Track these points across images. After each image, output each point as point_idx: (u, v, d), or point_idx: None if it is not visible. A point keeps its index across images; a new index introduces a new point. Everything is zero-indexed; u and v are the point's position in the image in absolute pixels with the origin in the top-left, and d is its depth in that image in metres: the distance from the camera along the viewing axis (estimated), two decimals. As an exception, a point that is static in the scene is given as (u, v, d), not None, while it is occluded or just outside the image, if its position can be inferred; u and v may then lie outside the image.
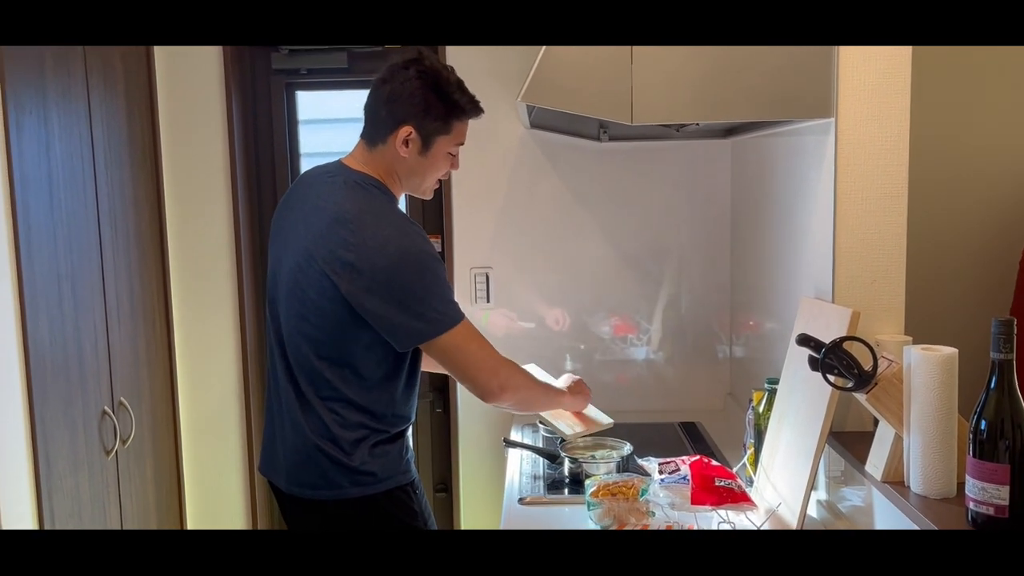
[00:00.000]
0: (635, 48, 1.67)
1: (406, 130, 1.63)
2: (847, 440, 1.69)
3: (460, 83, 1.67)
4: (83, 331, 2.08)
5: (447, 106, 1.64)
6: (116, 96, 2.31)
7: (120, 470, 2.24)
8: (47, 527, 1.91)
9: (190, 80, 2.58)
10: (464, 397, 2.66)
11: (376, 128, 1.66)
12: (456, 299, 1.65)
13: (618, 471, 1.99)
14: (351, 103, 2.78)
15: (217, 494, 2.73)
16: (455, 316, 1.61)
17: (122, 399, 2.25)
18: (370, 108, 1.68)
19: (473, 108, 1.69)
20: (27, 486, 1.87)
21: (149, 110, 2.52)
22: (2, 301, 1.81)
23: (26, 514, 1.86)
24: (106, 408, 2.17)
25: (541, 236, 2.63)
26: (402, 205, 1.85)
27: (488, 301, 2.65)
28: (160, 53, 2.55)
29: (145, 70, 2.49)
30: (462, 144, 1.72)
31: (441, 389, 2.78)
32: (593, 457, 2.03)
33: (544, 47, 1.69)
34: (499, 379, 1.65)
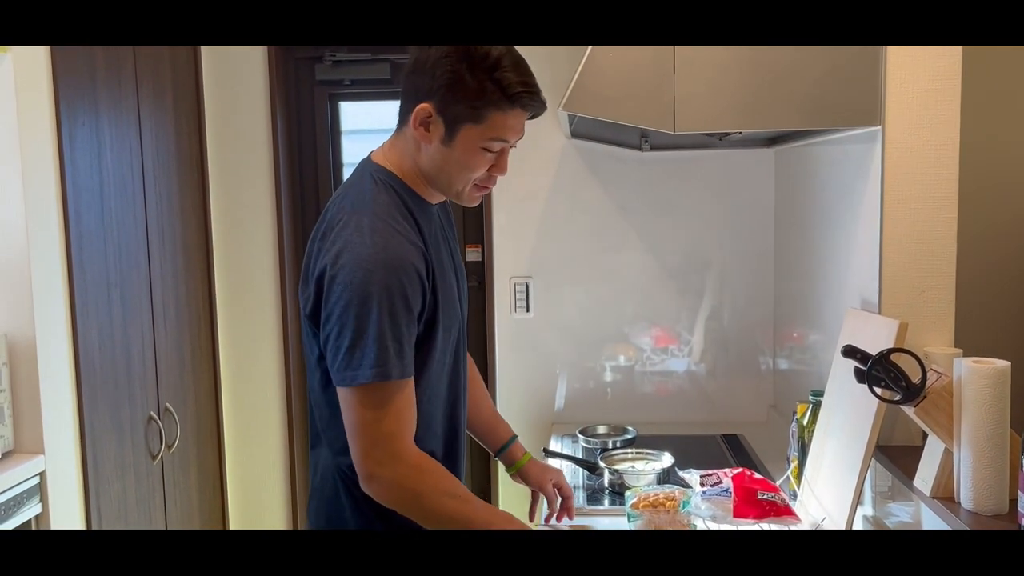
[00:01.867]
0: (677, 56, 1.66)
1: (424, 108, 1.29)
2: (894, 454, 1.65)
3: (515, 62, 1.29)
4: (131, 338, 2.12)
5: (479, 86, 1.26)
6: (165, 107, 2.36)
7: (165, 475, 2.28)
8: (95, 528, 1.95)
9: (236, 91, 2.63)
10: (502, 406, 2.66)
11: (401, 106, 1.36)
12: (400, 349, 1.26)
13: (659, 483, 1.97)
14: (394, 113, 2.80)
15: (259, 499, 2.77)
16: (370, 372, 1.24)
17: (168, 405, 2.29)
18: (401, 83, 1.37)
19: (519, 98, 1.28)
20: (76, 489, 1.91)
21: (196, 120, 2.57)
22: (54, 306, 1.86)
23: (75, 516, 1.90)
24: (152, 414, 2.21)
25: (582, 246, 2.62)
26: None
27: (528, 311, 2.64)
28: (207, 64, 2.61)
29: (193, 81, 2.55)
30: (506, 142, 1.33)
31: (481, 398, 2.78)
32: (633, 468, 2.01)
33: (585, 55, 1.69)
34: (368, 467, 1.28)
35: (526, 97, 1.29)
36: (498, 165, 1.36)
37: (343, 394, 1.27)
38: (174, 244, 2.39)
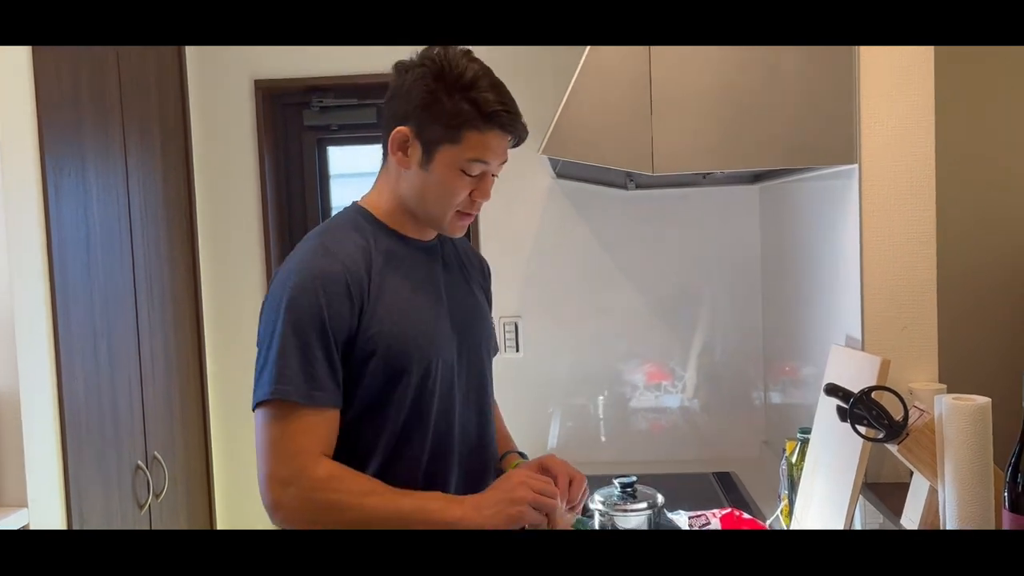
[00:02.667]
0: (654, 97, 1.68)
1: (401, 132, 1.29)
2: (883, 491, 1.64)
3: (493, 83, 1.28)
4: (118, 387, 2.12)
5: (455, 106, 1.25)
6: (153, 154, 2.38)
7: (153, 524, 2.26)
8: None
9: (224, 137, 2.65)
10: (495, 448, 2.64)
11: (383, 137, 1.35)
12: (309, 372, 1.21)
13: (649, 524, 1.95)
14: (380, 158, 2.83)
15: (251, 547, 2.74)
16: (268, 388, 1.21)
17: (156, 454, 2.28)
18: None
19: (496, 116, 1.26)
20: (61, 542, 1.89)
21: (184, 167, 2.59)
22: (38, 357, 1.85)
23: (59, 570, 1.88)
24: (140, 463, 2.20)
25: (571, 284, 2.63)
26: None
27: (517, 351, 2.64)
28: (195, 111, 2.63)
29: (181, 128, 2.57)
30: (486, 164, 1.30)
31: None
32: (624, 511, 1.99)
33: (564, 99, 1.71)
34: (272, 492, 1.21)
35: (504, 116, 1.27)
36: (480, 190, 1.33)
37: (254, 419, 1.24)
38: (162, 292, 2.39)
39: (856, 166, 1.65)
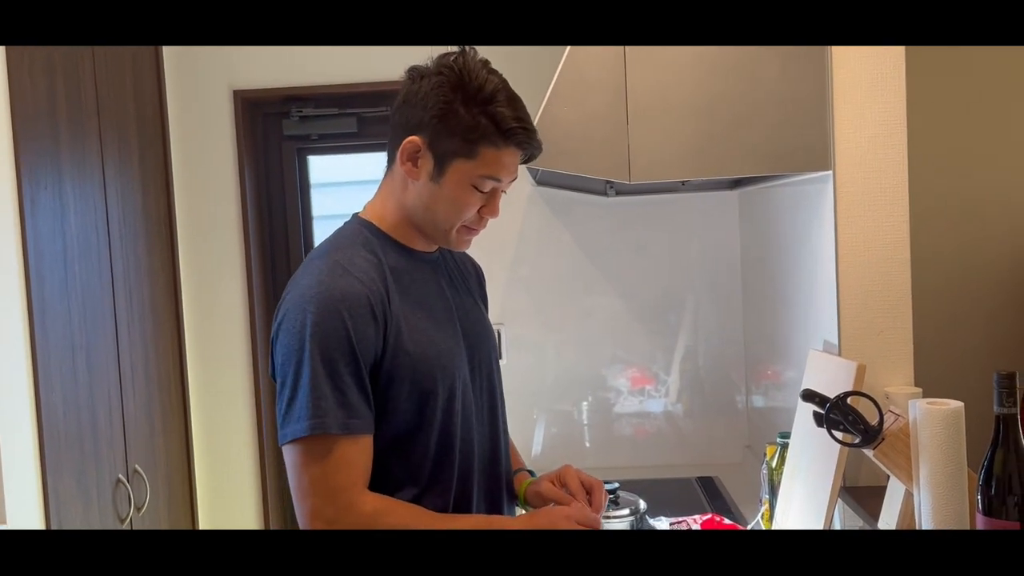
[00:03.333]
0: (630, 106, 1.69)
1: (412, 142, 1.23)
2: (861, 495, 1.66)
3: (510, 98, 1.23)
4: (97, 401, 2.11)
5: (473, 120, 1.20)
6: (131, 166, 2.37)
7: (135, 538, 2.25)
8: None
9: (203, 147, 2.65)
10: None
11: (389, 144, 1.29)
12: (339, 404, 1.16)
13: (632, 529, 1.95)
14: (362, 166, 2.83)
15: (235, 559, 2.73)
16: (306, 424, 1.15)
17: (136, 467, 2.27)
18: (389, 120, 1.31)
19: (513, 134, 1.22)
20: (40, 558, 1.88)
21: (164, 178, 2.58)
22: (16, 374, 1.84)
23: (39, 586, 1.87)
24: (120, 476, 2.19)
25: (553, 291, 2.63)
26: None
27: (501, 357, 2.64)
28: (174, 122, 2.63)
29: (159, 139, 2.56)
30: (498, 181, 1.26)
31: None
32: (607, 518, 1.99)
33: (541, 108, 1.71)
34: (323, 524, 1.17)
35: (521, 134, 1.23)
36: (489, 206, 1.29)
37: (286, 454, 1.18)
38: (142, 304, 2.38)
39: (831, 172, 1.67)
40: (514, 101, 1.24)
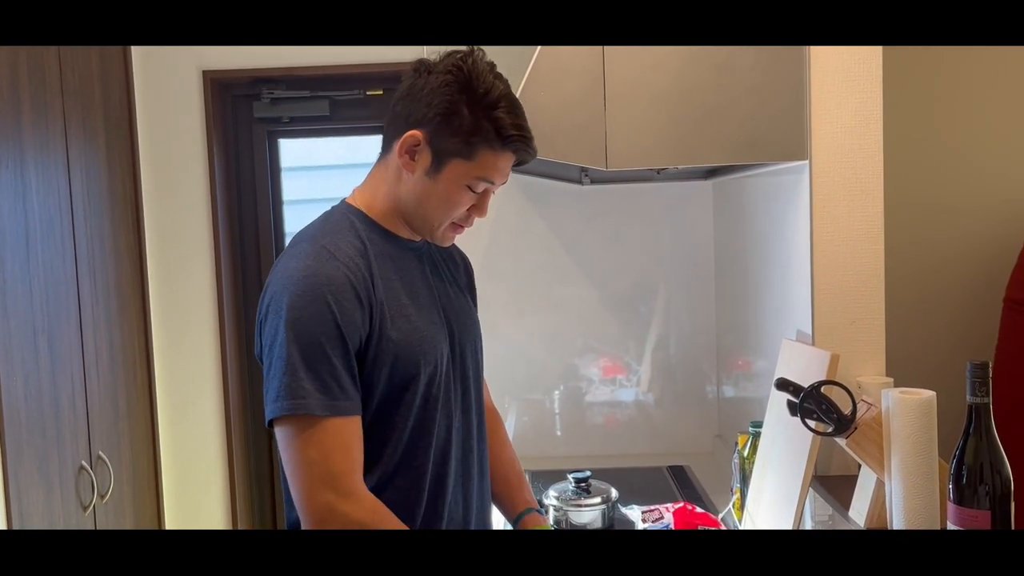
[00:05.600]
0: (608, 92, 1.68)
1: (413, 136, 1.26)
2: (832, 484, 1.67)
3: (512, 104, 1.27)
4: (60, 386, 2.06)
5: (476, 122, 1.24)
6: (96, 146, 2.31)
7: (98, 525, 2.20)
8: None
9: (171, 128, 2.59)
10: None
11: (386, 132, 1.32)
12: (331, 383, 1.18)
13: (603, 519, 1.95)
14: (334, 150, 2.79)
15: (201, 547, 2.69)
16: (289, 403, 1.17)
17: (100, 453, 2.22)
18: (389, 108, 1.33)
19: (512, 141, 1.26)
20: None
21: (130, 159, 2.52)
22: (-25, 357, 1.79)
23: (-2, 575, 1.82)
24: (83, 463, 2.14)
25: (527, 279, 2.62)
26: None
27: (473, 346, 2.62)
28: (141, 102, 2.57)
29: (126, 119, 2.50)
30: (491, 183, 1.31)
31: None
32: (578, 506, 1.99)
33: (518, 93, 1.69)
34: (316, 509, 1.18)
35: (519, 141, 1.27)
36: (479, 206, 1.33)
37: (277, 429, 1.19)
38: (107, 287, 2.33)
39: (807, 162, 1.67)
40: (516, 108, 1.27)
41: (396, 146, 1.27)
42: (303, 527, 1.21)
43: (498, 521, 2.03)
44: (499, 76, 1.27)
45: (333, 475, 1.17)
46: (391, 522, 1.22)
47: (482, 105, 1.23)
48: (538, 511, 1.53)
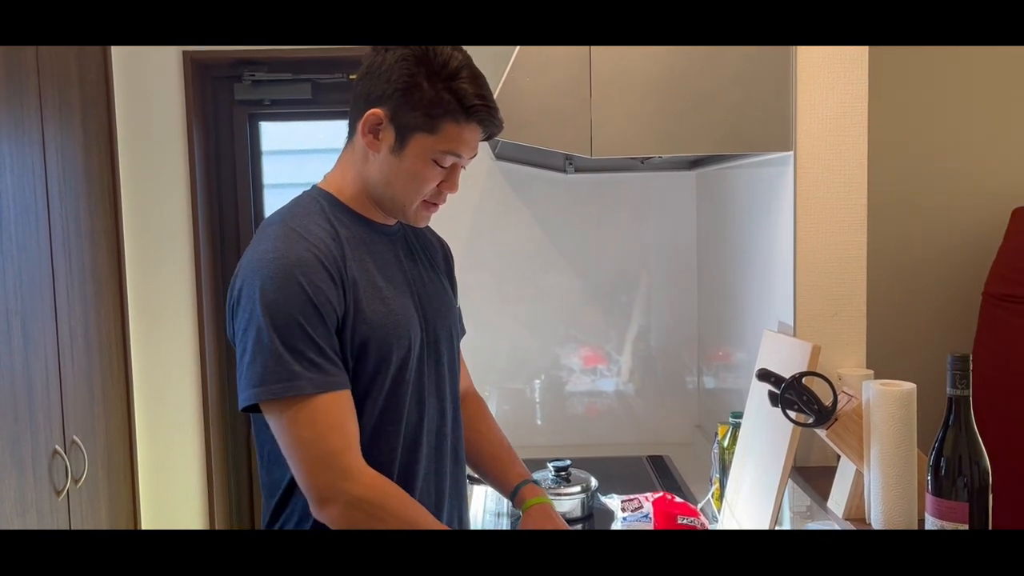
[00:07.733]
0: (594, 80, 1.66)
1: (375, 114, 1.24)
2: (811, 475, 1.67)
3: (474, 75, 1.25)
4: (33, 368, 2.02)
5: (436, 95, 1.22)
6: (72, 126, 2.27)
7: (72, 510, 2.17)
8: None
9: (150, 109, 2.55)
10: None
11: (351, 115, 1.30)
12: (318, 361, 1.18)
13: (582, 508, 1.95)
14: (316, 134, 2.76)
15: (176, 533, 2.66)
16: (276, 387, 1.16)
17: (75, 437, 2.19)
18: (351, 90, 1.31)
19: (475, 111, 1.24)
20: (-30, 530, 1.80)
21: (108, 140, 2.48)
22: (-54, 338, 1.76)
23: (-32, 559, 1.79)
24: (57, 447, 2.11)
25: (509, 267, 2.61)
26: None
27: (464, 334, 2.61)
28: (119, 82, 2.52)
29: (103, 99, 2.46)
30: (459, 157, 1.28)
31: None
32: (558, 495, 1.99)
33: (503, 79, 1.68)
34: (318, 489, 1.18)
35: (483, 111, 1.25)
36: (449, 181, 1.31)
37: (267, 413, 1.18)
38: (82, 269, 2.29)
39: (791, 153, 1.67)
40: (477, 78, 1.25)
41: (359, 126, 1.26)
42: (311, 509, 1.20)
43: (475, 512, 2.03)
44: (458, 48, 1.26)
45: (329, 454, 1.17)
46: (393, 495, 1.21)
47: (441, 76, 1.22)
48: (534, 482, 1.51)
